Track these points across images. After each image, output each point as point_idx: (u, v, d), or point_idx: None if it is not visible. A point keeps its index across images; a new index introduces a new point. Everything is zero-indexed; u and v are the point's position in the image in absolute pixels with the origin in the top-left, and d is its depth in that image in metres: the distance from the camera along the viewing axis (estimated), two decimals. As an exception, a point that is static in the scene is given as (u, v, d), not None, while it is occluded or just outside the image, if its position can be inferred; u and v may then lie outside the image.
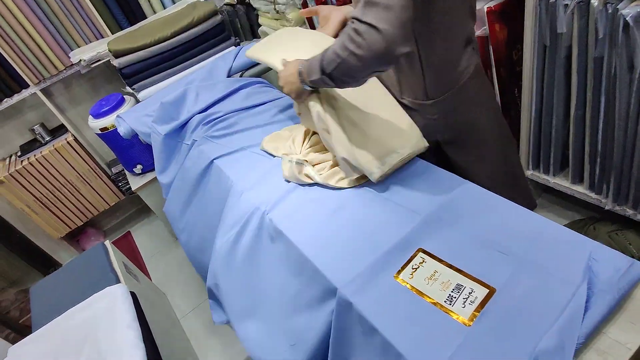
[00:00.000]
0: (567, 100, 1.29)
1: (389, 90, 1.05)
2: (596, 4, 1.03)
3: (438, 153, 1.07)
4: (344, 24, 1.11)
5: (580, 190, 1.43)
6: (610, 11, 1.01)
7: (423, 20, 0.81)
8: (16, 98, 2.11)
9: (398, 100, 1.03)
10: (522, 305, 0.63)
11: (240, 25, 2.41)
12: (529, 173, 1.56)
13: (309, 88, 0.91)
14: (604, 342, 0.57)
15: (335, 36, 1.09)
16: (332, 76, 0.79)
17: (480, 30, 1.34)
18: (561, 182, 1.48)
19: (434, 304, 0.69)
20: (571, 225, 1.52)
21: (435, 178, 0.91)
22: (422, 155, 1.00)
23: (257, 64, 1.73)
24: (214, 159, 1.26)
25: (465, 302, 0.67)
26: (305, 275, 0.84)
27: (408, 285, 0.72)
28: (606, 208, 1.35)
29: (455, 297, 0.68)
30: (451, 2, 0.84)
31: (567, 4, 1.09)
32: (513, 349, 0.58)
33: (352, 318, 0.75)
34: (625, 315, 0.58)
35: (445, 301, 0.68)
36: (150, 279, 2.15)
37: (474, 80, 0.95)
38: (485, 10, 1.28)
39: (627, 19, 0.96)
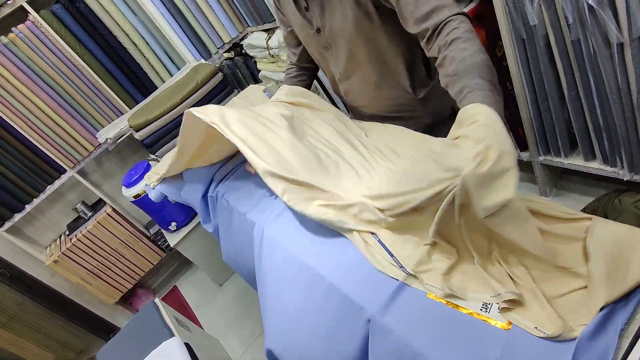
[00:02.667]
0: (558, 84, 1.32)
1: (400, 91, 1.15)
2: (558, -7, 1.08)
3: None
4: None
5: (595, 166, 1.43)
6: (573, -3, 1.06)
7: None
8: (57, 183, 2.31)
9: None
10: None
11: (242, 75, 2.57)
12: (541, 159, 1.58)
13: None
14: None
15: None
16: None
17: (460, 37, 1.40)
18: (575, 162, 1.49)
19: (470, 314, 0.69)
20: (596, 201, 1.51)
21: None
22: None
23: None
24: (242, 210, 1.35)
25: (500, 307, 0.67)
26: (334, 304, 0.86)
27: (443, 301, 0.72)
28: (625, 179, 1.35)
29: (489, 304, 0.69)
30: None
31: (532, -1, 1.15)
32: (553, 340, 0.60)
33: (389, 344, 0.73)
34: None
35: (480, 309, 0.69)
36: (201, 327, 2.25)
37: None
38: (459, 18, 1.35)
39: (589, 2, 1.01)
